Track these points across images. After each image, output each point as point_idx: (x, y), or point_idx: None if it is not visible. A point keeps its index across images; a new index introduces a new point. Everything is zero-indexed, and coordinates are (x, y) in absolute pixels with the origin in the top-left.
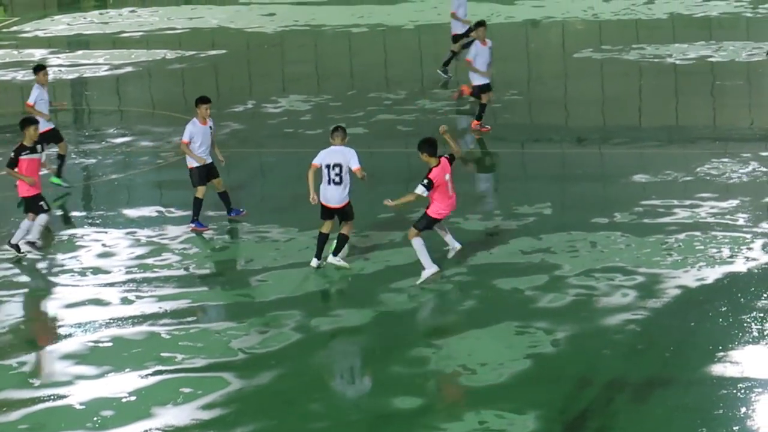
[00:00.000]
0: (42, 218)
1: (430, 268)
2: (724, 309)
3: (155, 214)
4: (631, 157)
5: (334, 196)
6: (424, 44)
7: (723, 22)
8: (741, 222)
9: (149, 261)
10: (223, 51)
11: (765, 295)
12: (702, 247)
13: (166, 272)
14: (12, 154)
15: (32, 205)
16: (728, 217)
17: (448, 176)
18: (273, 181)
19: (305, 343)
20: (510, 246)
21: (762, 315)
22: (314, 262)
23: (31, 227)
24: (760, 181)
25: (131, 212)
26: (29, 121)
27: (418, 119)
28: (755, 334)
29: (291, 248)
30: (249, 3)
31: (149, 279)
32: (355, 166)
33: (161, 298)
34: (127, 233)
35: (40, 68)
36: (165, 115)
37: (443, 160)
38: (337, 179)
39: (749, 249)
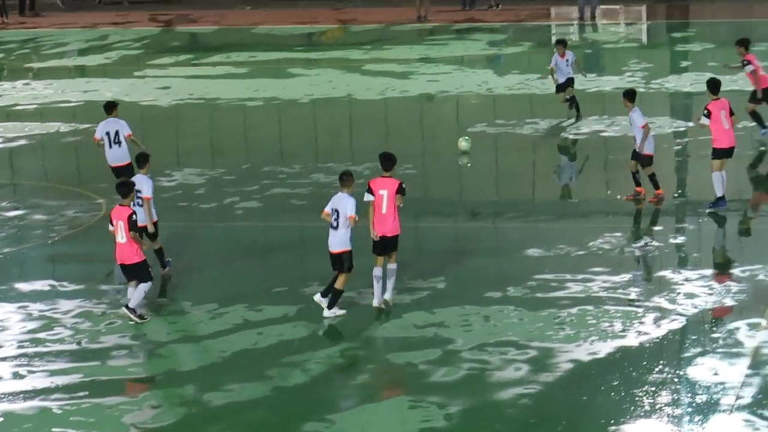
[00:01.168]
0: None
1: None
2: (616, 383)
3: (48, 288)
4: (524, 231)
5: (331, 241)
6: (319, 118)
7: (616, 97)
8: (633, 296)
9: (41, 335)
10: None
11: (657, 369)
12: (594, 321)
13: (58, 347)
14: None
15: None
16: (620, 291)
17: None
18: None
19: (198, 417)
20: (403, 320)
21: (654, 389)
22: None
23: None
24: (652, 256)
25: (23, 286)
26: None
27: (313, 193)
28: (647, 408)
29: (185, 321)
30: (144, 76)
31: (41, 353)
32: (350, 213)
33: (53, 373)
34: (19, 307)
35: None
36: (58, 189)
37: None
38: (335, 224)
39: (641, 323)
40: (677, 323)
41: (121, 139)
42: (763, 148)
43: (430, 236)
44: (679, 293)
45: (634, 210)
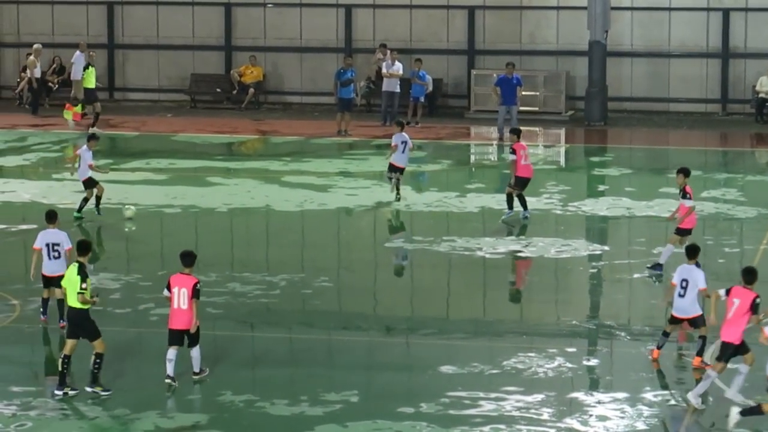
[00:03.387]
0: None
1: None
2: None
3: None
4: (438, 348)
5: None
6: (236, 227)
7: (533, 217)
8: (545, 416)
9: None
10: (34, 226)
11: None
12: None
13: None
14: None
15: None
16: (533, 411)
17: None
18: None
19: None
20: None
21: None
22: None
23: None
24: (565, 377)
25: None
26: None
27: (228, 302)
28: None
29: (95, 427)
30: (62, 179)
31: None
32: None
33: None
34: None
35: None
36: None
37: None
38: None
39: None
40: None
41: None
42: None
43: (344, 349)
44: (591, 415)
45: (547, 330)
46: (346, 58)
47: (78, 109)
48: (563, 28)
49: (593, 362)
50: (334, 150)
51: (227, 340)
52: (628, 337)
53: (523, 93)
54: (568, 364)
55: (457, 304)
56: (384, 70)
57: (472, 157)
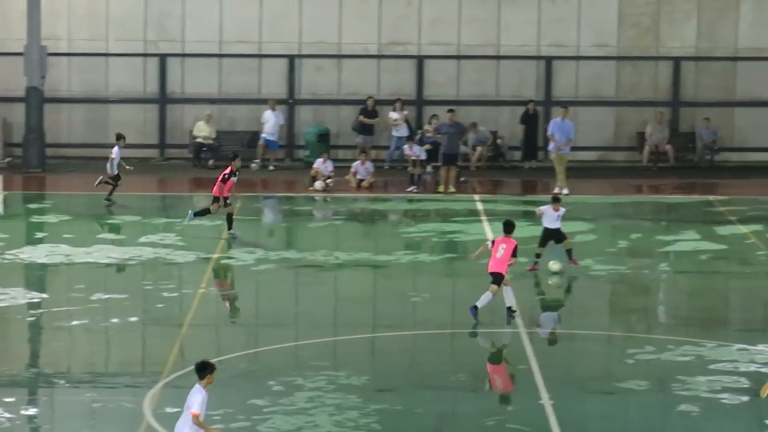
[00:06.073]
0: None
1: None
2: None
3: None
4: None
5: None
6: None
7: None
8: None
9: None
10: None
11: None
12: None
13: None
14: None
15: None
16: None
17: None
18: None
19: None
20: None
21: None
22: None
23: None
24: (4, 427)
25: None
26: None
27: None
28: None
29: None
30: None
31: None
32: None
33: None
34: None
35: None
36: None
37: None
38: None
39: None
40: None
41: None
42: None
43: None
44: None
45: None
46: None
47: None
48: None
49: (32, 411)
50: None
51: None
52: (68, 385)
53: None
54: (7, 414)
55: None
56: None
57: None
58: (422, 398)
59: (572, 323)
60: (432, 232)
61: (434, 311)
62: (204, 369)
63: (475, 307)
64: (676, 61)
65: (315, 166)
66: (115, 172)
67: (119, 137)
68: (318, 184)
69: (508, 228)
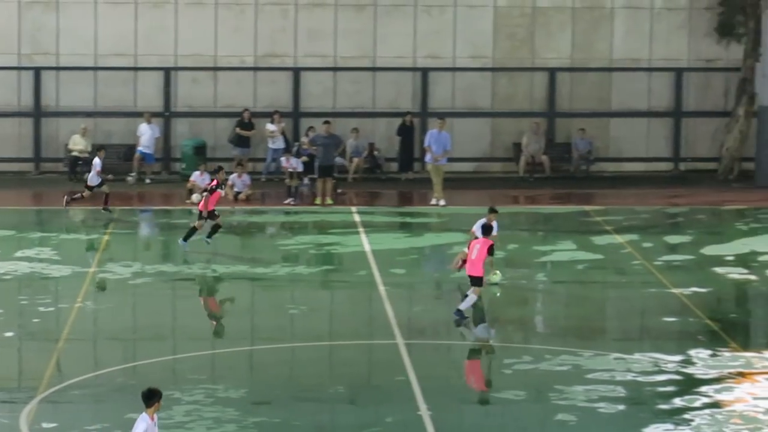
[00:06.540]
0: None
1: None
2: None
3: None
4: None
5: None
6: None
7: None
8: None
9: None
10: None
11: None
12: None
13: None
14: None
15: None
16: None
17: None
18: None
19: None
20: None
21: None
22: None
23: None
24: None
25: None
26: None
27: None
28: None
29: None
30: None
31: None
32: None
33: None
34: None
35: None
36: None
37: None
38: None
39: None
40: None
41: None
42: None
43: None
44: None
45: None
46: None
47: None
48: None
49: None
50: None
51: None
52: None
53: None
54: None
55: None
56: None
57: None
58: (301, 410)
59: (450, 334)
60: (309, 244)
61: (312, 323)
62: (151, 397)
63: (459, 311)
64: (552, 72)
65: (192, 179)
66: (95, 183)
67: (99, 148)
68: (195, 197)
69: (486, 230)
